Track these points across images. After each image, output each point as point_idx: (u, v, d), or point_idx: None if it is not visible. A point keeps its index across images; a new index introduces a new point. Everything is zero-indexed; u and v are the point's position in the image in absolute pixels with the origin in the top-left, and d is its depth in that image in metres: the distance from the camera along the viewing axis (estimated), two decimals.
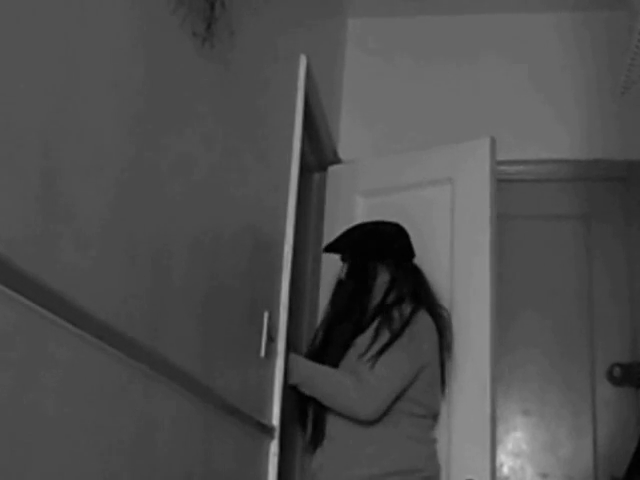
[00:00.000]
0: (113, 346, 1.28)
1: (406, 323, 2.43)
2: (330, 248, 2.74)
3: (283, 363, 2.40)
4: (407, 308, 2.49)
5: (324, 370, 2.48)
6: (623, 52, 2.91)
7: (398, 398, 2.40)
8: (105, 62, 1.28)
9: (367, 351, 2.40)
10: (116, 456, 1.31)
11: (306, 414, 2.54)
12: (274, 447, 2.32)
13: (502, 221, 2.95)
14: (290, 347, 2.49)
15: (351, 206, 3.13)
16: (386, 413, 2.39)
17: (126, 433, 1.36)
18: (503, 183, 3.05)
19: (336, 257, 2.75)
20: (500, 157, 2.93)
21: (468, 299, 2.72)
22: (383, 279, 2.60)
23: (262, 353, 2.21)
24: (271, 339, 2.28)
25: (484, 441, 2.58)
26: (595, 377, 3.13)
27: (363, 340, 2.45)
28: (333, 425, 2.45)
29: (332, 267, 3.08)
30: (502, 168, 3.05)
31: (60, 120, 1.14)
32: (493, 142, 2.89)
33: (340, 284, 2.67)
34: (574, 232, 3.32)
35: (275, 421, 2.33)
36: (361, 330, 2.48)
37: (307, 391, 2.47)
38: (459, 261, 2.79)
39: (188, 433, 1.66)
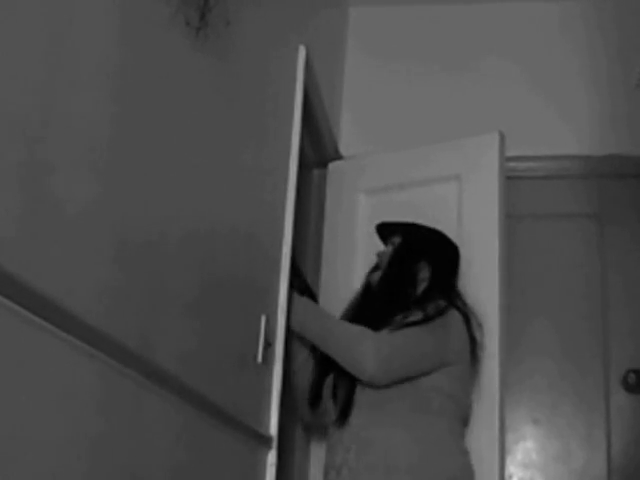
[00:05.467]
0: (102, 351, 1.26)
1: (440, 313, 2.36)
2: (387, 225, 2.66)
3: (283, 360, 2.33)
4: (442, 303, 2.41)
5: (337, 319, 2.43)
6: (636, 42, 2.83)
7: (430, 390, 2.30)
8: (93, 53, 1.26)
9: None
10: (105, 466, 1.29)
11: (321, 393, 2.45)
12: (272, 457, 2.26)
13: (510, 220, 2.90)
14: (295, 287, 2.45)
15: (353, 204, 3.08)
16: (421, 411, 2.29)
17: (115, 442, 1.33)
18: (512, 180, 3.00)
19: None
20: (509, 153, 2.87)
21: (476, 301, 2.62)
22: (423, 275, 2.52)
23: (259, 359, 2.16)
24: (268, 344, 2.23)
25: (493, 451, 2.52)
26: (609, 384, 3.06)
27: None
28: (365, 428, 2.30)
29: (332, 268, 3.03)
30: (511, 164, 3.00)
31: (45, 115, 1.12)
32: (502, 137, 2.83)
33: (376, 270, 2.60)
34: (586, 231, 3.26)
35: (273, 430, 2.28)
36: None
37: (309, 334, 2.40)
38: (466, 262, 2.71)
39: (181, 443, 1.63)
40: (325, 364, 2.43)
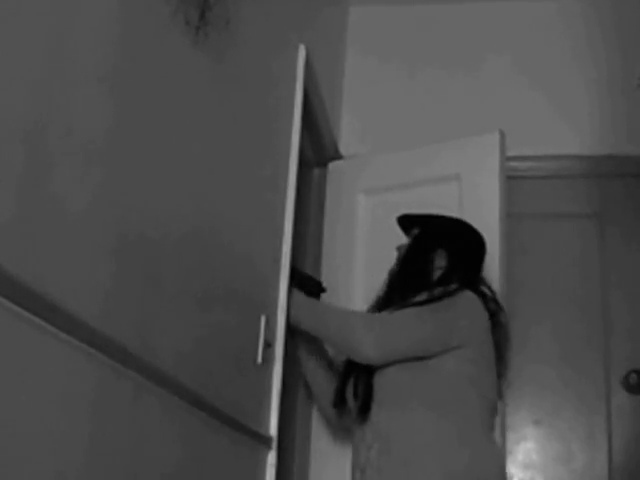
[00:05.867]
0: (101, 352, 1.25)
1: (448, 294, 2.29)
2: (407, 217, 2.61)
3: (283, 360, 2.32)
4: (453, 286, 2.34)
5: (331, 306, 2.47)
6: (636, 42, 2.81)
7: (452, 380, 2.22)
8: (93, 53, 1.25)
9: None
10: (104, 467, 1.28)
11: (344, 396, 2.41)
12: (272, 458, 2.25)
13: (511, 220, 2.87)
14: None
15: (353, 204, 3.07)
16: (443, 405, 2.21)
17: (115, 443, 1.33)
18: (512, 180, 2.98)
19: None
20: (509, 153, 2.86)
21: None
22: (439, 264, 2.47)
23: (259, 359, 2.15)
24: (268, 344, 2.21)
25: None
26: (610, 384, 3.04)
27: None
28: (386, 425, 2.24)
29: (332, 268, 3.01)
30: (511, 164, 2.98)
31: (43, 113, 1.11)
32: (502, 136, 2.82)
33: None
34: (586, 231, 3.24)
35: (272, 431, 2.27)
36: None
37: (304, 325, 2.39)
38: None
39: (180, 443, 1.62)
40: (348, 367, 2.40)
